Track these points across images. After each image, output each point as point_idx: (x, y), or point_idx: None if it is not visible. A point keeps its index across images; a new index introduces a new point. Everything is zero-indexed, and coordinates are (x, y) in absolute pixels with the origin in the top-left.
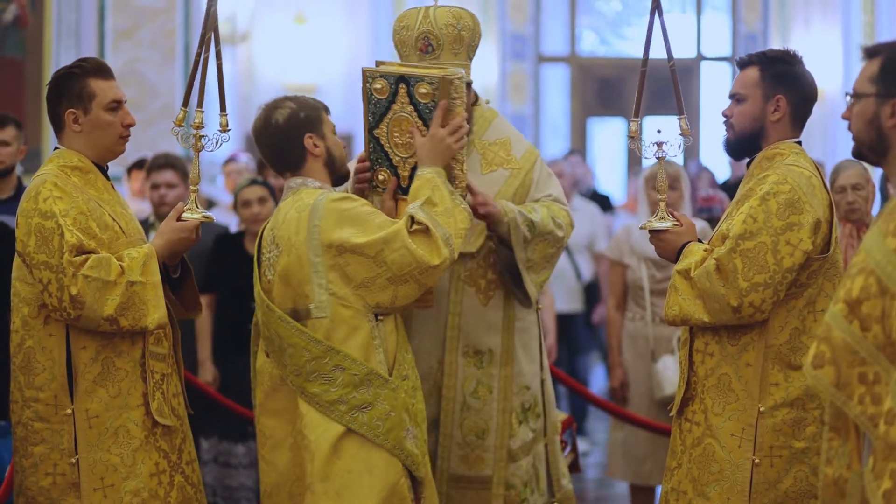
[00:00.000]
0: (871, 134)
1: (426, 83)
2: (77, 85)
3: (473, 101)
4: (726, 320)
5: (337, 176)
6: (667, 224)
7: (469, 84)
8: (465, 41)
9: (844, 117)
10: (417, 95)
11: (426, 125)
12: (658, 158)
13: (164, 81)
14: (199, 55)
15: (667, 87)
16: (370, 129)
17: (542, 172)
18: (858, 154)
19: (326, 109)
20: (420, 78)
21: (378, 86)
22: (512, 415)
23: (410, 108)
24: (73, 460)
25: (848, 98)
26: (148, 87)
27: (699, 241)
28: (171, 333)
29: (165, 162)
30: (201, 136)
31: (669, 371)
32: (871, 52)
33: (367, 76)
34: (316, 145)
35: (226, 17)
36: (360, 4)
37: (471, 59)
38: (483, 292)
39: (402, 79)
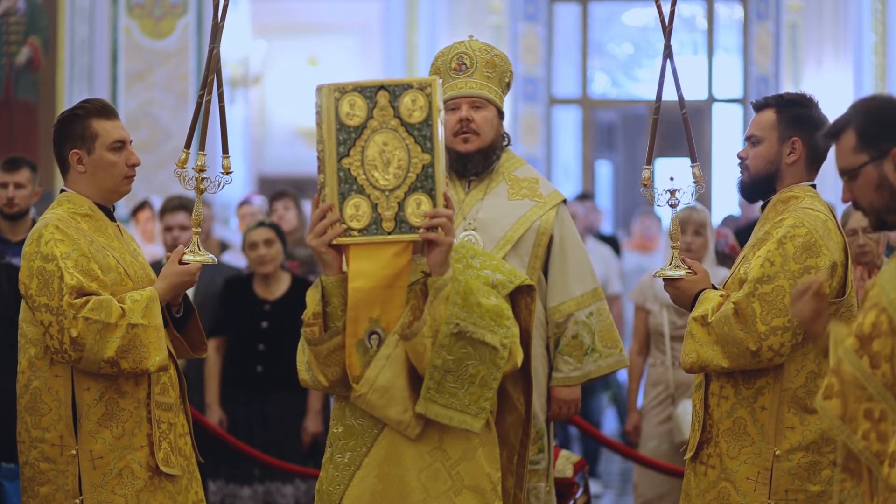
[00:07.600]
0: (883, 198)
1: (415, 90)
2: (80, 126)
3: (506, 142)
4: (745, 364)
5: None
6: (680, 272)
7: (501, 117)
8: (499, 69)
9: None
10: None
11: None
12: (671, 206)
13: (176, 124)
14: (201, 97)
15: (678, 128)
16: (339, 158)
17: (569, 229)
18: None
19: None
20: (407, 85)
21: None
22: None
23: (396, 121)
24: (78, 501)
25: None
26: (160, 130)
27: (714, 287)
28: (178, 384)
29: (178, 204)
30: (203, 178)
31: (689, 416)
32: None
33: (331, 93)
34: None
35: (238, 60)
36: (372, 47)
37: (503, 93)
38: None
39: (381, 89)
